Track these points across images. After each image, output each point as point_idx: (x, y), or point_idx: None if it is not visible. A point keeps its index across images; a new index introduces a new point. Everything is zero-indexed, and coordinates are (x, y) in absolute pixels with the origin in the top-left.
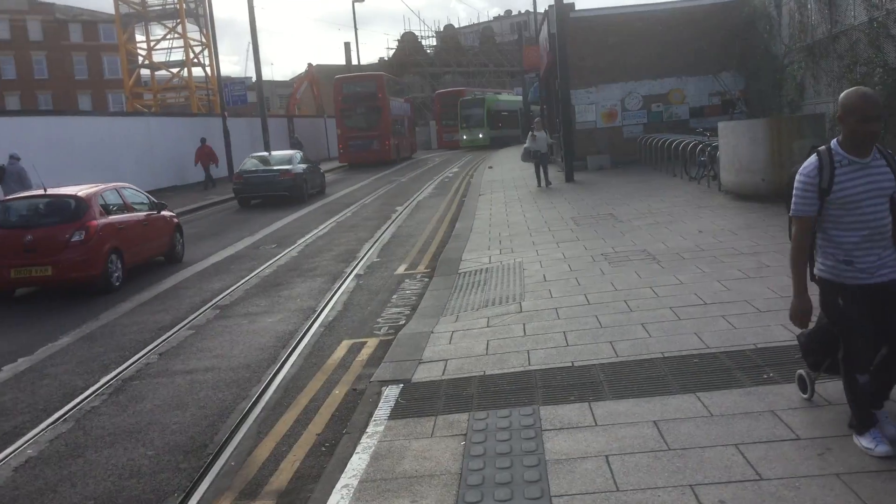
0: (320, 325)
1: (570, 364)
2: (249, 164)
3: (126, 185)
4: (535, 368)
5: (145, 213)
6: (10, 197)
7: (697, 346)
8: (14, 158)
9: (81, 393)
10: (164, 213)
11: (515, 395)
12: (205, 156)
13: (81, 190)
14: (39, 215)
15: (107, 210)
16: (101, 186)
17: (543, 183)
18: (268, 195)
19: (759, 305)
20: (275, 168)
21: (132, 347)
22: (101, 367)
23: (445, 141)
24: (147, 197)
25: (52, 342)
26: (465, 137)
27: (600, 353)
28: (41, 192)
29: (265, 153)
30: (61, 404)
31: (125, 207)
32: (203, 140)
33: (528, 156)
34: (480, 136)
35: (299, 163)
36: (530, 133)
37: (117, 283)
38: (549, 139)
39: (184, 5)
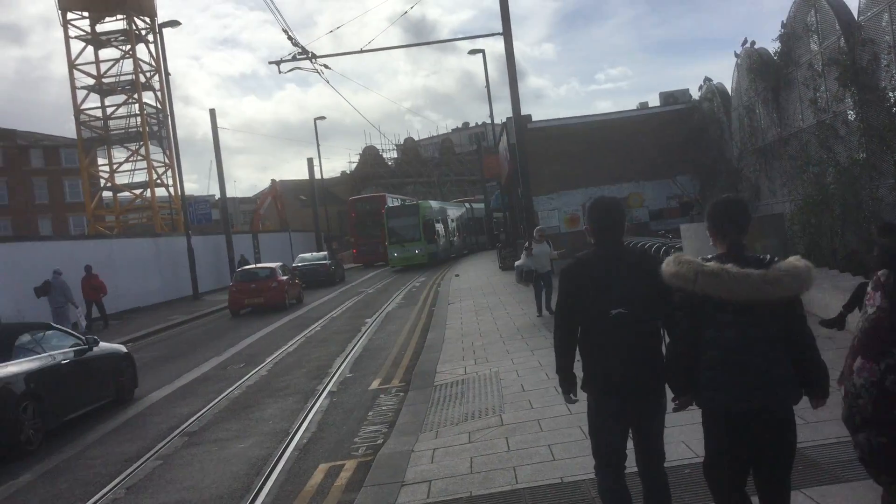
0: (295, 449)
1: (559, 480)
2: (299, 261)
3: (281, 263)
4: (523, 486)
5: (289, 276)
6: (244, 268)
7: (687, 455)
8: (57, 273)
9: None
10: (296, 280)
11: None
12: (90, 288)
13: (272, 265)
14: (256, 275)
15: (282, 273)
16: (278, 264)
17: (545, 310)
18: (313, 280)
19: None
20: (317, 262)
21: (97, 482)
22: None
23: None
24: (289, 269)
25: (12, 479)
26: (395, 254)
27: (589, 467)
28: (253, 265)
29: (307, 254)
30: None
31: (285, 273)
32: (88, 268)
33: (524, 277)
34: (416, 251)
35: (330, 259)
36: (525, 246)
37: (288, 306)
38: (553, 252)
39: (147, 128)
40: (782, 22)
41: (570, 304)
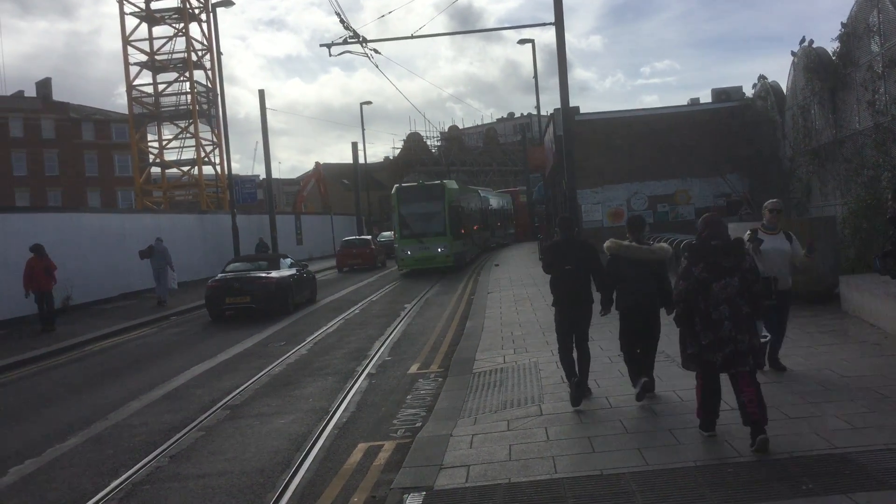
0: (334, 427)
1: (598, 472)
2: (380, 238)
3: (368, 237)
4: (562, 476)
5: (374, 245)
6: (347, 238)
7: (730, 454)
8: (159, 240)
9: (91, 498)
10: (372, 246)
11: None
12: (41, 275)
13: (367, 237)
14: (357, 243)
15: (372, 243)
16: (368, 237)
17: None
18: (390, 251)
19: (787, 411)
20: (392, 239)
21: (142, 450)
22: (111, 471)
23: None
24: (372, 240)
25: (60, 443)
26: (408, 253)
27: (629, 461)
28: (354, 237)
29: (386, 233)
30: None
31: (373, 243)
32: (38, 249)
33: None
34: (440, 250)
35: (387, 240)
36: (747, 239)
37: (377, 266)
38: (801, 247)
39: (196, 106)
40: (842, 22)
41: (548, 262)
